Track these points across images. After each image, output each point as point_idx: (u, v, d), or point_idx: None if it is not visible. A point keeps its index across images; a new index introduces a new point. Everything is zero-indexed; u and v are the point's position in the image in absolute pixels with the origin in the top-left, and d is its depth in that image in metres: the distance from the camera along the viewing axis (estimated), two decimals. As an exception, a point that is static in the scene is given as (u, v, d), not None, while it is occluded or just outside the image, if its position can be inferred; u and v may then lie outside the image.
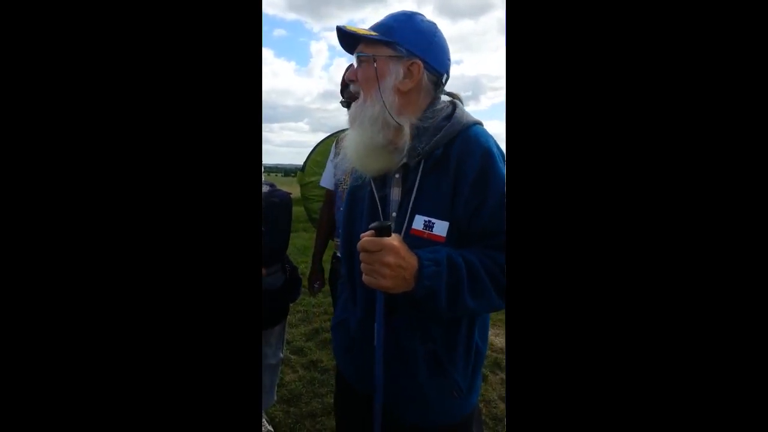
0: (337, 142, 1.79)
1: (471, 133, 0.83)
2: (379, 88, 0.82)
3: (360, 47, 0.85)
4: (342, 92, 1.62)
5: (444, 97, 0.89)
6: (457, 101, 0.89)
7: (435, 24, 0.86)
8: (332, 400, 2.23)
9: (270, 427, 1.97)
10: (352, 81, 0.88)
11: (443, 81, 0.88)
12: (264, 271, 1.53)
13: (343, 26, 0.84)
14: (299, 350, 2.79)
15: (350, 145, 0.87)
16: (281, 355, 1.78)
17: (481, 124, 0.86)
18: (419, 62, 0.82)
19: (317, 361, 2.64)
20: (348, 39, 0.86)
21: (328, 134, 2.42)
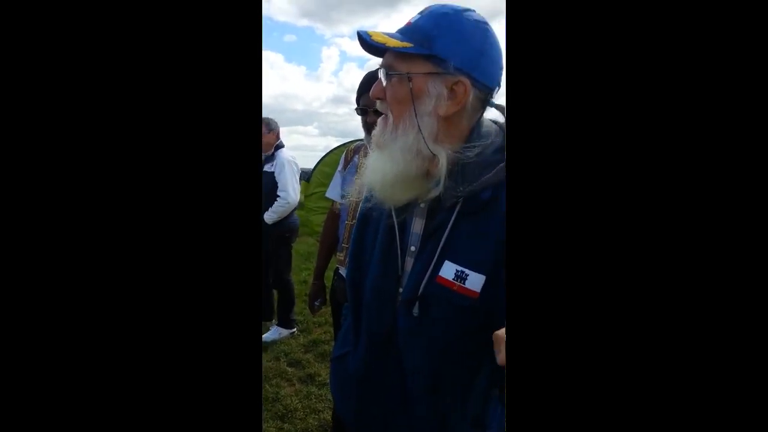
0: (346, 153, 1.73)
1: None
2: (415, 112, 0.67)
3: (389, 59, 0.69)
4: (357, 100, 1.54)
5: (488, 115, 0.74)
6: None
7: (485, 24, 0.68)
8: (329, 417, 2.17)
9: (263, 445, 1.91)
10: (379, 99, 0.71)
11: (492, 95, 0.71)
12: None
13: (366, 33, 0.68)
14: (296, 362, 2.73)
15: (374, 172, 0.72)
16: None
17: None
18: (465, 80, 0.66)
19: (315, 375, 2.58)
20: (372, 46, 0.70)
21: (338, 139, 2.35)
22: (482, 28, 0.67)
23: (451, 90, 0.66)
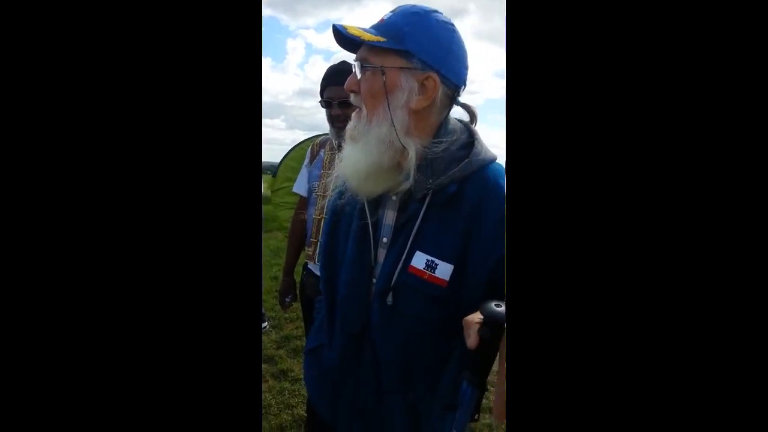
0: (312, 147, 1.72)
1: (490, 171, 0.73)
2: (388, 104, 0.69)
3: (363, 53, 0.71)
4: (321, 92, 1.53)
5: (454, 114, 0.78)
6: (474, 129, 0.78)
7: (452, 24, 0.72)
8: (303, 412, 2.17)
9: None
10: (353, 92, 0.74)
11: (459, 93, 0.75)
12: None
13: (342, 26, 0.70)
14: (269, 359, 2.72)
15: (349, 165, 0.74)
16: None
17: (496, 159, 0.76)
18: (435, 76, 0.69)
19: (288, 371, 2.57)
20: (347, 40, 0.72)
21: (306, 132, 2.32)
22: (449, 28, 0.71)
23: (422, 85, 0.69)
